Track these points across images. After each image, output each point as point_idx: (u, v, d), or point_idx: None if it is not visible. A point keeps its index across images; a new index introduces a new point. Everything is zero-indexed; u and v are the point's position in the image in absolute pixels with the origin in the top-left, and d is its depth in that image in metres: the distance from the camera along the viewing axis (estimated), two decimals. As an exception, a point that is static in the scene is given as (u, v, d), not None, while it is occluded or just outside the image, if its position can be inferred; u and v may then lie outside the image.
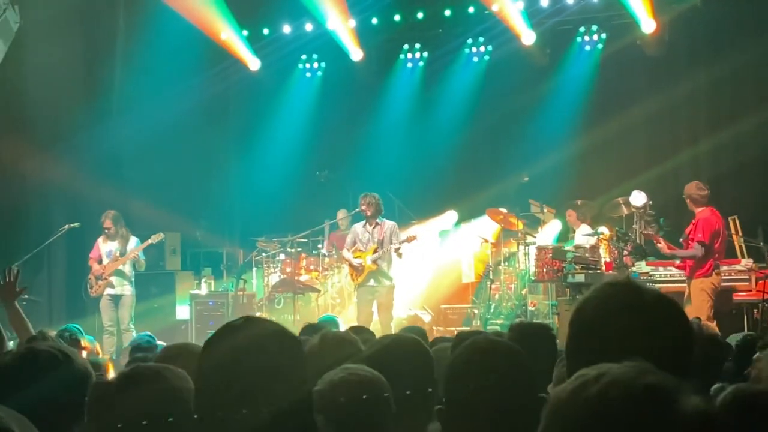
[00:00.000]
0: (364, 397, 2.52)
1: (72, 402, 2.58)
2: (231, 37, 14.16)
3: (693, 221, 9.73)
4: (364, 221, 10.71)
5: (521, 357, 2.51)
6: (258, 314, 12.55)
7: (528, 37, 13.35)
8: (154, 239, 11.48)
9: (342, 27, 13.97)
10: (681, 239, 9.81)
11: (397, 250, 10.35)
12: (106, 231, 11.27)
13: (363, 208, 10.59)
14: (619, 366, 1.31)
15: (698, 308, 9.25)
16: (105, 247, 11.33)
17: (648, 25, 12.69)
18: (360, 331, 4.93)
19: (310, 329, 4.90)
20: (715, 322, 9.05)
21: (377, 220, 10.60)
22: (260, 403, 1.92)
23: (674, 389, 1.27)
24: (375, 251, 10.41)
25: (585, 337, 1.88)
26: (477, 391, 2.38)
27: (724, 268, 10.36)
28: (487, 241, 12.58)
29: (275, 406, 1.92)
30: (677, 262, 10.29)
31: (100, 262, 11.30)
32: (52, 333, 5.71)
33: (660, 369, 1.75)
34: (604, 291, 1.95)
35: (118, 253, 11.22)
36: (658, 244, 9.88)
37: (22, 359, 2.72)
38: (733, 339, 5.09)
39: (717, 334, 4.27)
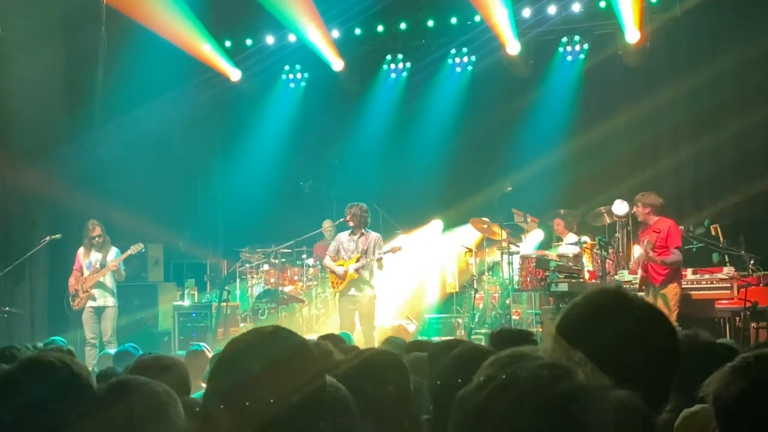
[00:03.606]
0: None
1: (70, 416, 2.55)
2: (210, 49, 14.16)
3: (655, 230, 9.96)
4: (349, 231, 10.70)
5: None
6: (242, 325, 12.53)
7: (513, 46, 13.40)
8: (133, 250, 11.33)
9: (321, 38, 13.98)
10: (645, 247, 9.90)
11: (379, 260, 10.36)
12: (96, 239, 11.16)
13: (348, 218, 10.58)
14: (529, 370, 1.23)
15: (669, 314, 9.45)
16: (85, 258, 11.25)
17: (633, 35, 12.77)
18: (336, 341, 4.90)
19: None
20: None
21: (362, 231, 10.58)
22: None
23: (586, 394, 1.21)
24: (358, 260, 10.40)
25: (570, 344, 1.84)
26: None
27: (706, 276, 10.51)
28: (470, 251, 12.59)
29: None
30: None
31: (81, 273, 11.21)
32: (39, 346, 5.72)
33: (646, 378, 1.71)
34: (591, 298, 1.92)
35: (98, 265, 11.14)
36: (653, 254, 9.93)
37: (24, 368, 2.70)
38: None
39: (712, 339, 4.25)
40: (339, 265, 10.50)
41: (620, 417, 1.20)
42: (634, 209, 10.25)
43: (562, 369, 1.23)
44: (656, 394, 1.77)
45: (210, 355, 5.92)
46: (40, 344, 6.09)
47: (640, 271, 10.09)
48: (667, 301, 9.74)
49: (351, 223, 10.56)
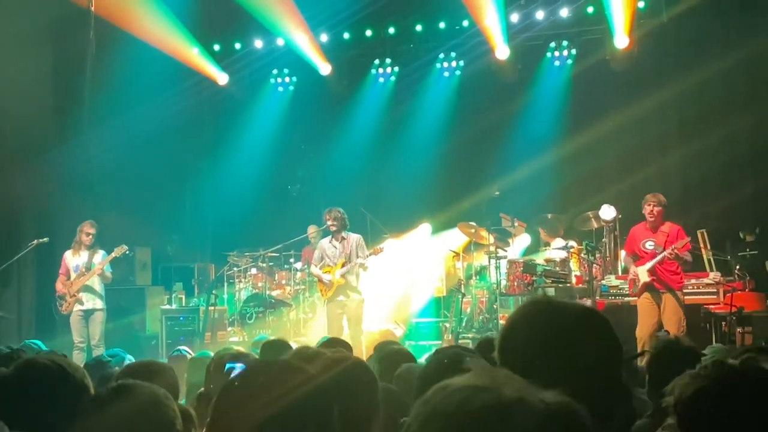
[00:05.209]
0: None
1: (68, 415, 2.59)
2: (198, 54, 14.15)
3: (664, 231, 9.62)
4: (330, 236, 10.74)
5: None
6: (229, 329, 12.48)
7: (502, 51, 13.45)
8: (117, 252, 11.19)
9: (309, 42, 14.00)
10: (653, 250, 9.64)
11: (362, 264, 10.40)
12: (88, 237, 11.09)
13: (330, 222, 10.62)
14: (443, 396, 1.24)
15: (680, 320, 9.30)
16: (73, 261, 11.19)
17: (622, 40, 12.84)
18: (334, 344, 4.93)
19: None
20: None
21: (343, 234, 10.63)
22: None
23: (505, 403, 1.20)
24: (343, 265, 10.44)
25: (511, 357, 1.87)
26: None
27: (693, 281, 10.50)
28: (456, 254, 12.62)
29: None
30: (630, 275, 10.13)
31: (68, 276, 11.17)
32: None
33: (588, 382, 1.71)
34: (527, 310, 1.95)
35: (84, 269, 11.09)
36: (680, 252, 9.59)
37: (21, 371, 2.74)
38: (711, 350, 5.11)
39: (694, 346, 4.29)
40: (325, 272, 10.54)
41: (548, 418, 1.20)
42: (648, 209, 9.62)
43: (478, 387, 1.23)
44: (601, 395, 1.78)
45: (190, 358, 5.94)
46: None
47: (645, 277, 9.54)
48: (682, 303, 9.45)
49: (333, 228, 10.61)
